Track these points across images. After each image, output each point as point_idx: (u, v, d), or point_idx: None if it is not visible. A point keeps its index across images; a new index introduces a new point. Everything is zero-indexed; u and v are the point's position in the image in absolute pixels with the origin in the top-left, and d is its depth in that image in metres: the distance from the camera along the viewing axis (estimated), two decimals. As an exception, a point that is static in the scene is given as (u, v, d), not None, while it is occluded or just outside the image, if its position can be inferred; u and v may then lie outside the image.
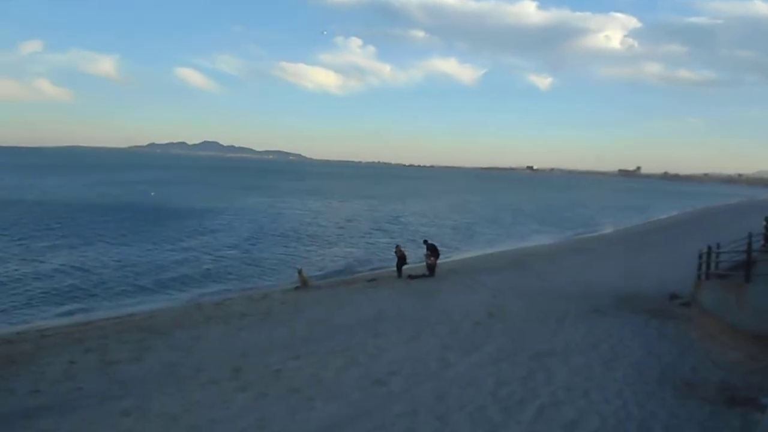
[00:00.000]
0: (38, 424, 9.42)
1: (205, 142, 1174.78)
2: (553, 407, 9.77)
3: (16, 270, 24.57)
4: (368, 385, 10.93)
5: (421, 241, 26.84)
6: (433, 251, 24.99)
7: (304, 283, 22.77)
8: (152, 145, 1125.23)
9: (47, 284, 22.53)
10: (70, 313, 19.46)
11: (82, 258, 27.99)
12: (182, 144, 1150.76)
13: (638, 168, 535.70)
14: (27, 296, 20.81)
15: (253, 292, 22.68)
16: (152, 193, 69.48)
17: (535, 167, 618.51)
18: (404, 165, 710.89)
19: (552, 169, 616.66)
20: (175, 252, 31.43)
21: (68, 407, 10.19)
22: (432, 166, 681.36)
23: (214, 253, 31.45)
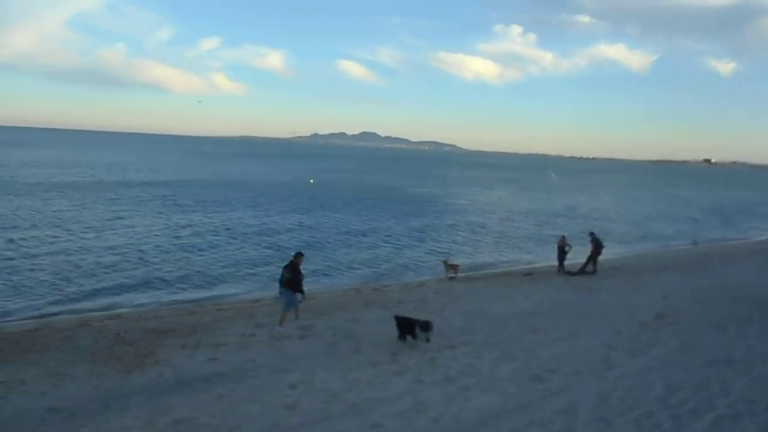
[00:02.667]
0: (216, 388, 10.33)
1: (363, 132, 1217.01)
2: (730, 420, 8.95)
3: (215, 252, 27.19)
4: (525, 380, 10.69)
5: (587, 234, 25.34)
6: (596, 245, 23.75)
7: (454, 271, 22.77)
8: (314, 135, 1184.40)
9: (222, 261, 24.67)
10: (244, 290, 21.12)
11: (256, 238, 30.28)
12: (342, 134, 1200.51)
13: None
14: (208, 272, 22.95)
15: (409, 280, 23.11)
16: (311, 181, 73.27)
17: (713, 160, 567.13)
18: (565, 157, 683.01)
19: (733, 163, 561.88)
20: (341, 236, 33.13)
21: (242, 376, 11.05)
22: (594, 158, 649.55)
23: (378, 240, 32.48)
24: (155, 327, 14.71)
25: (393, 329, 13.47)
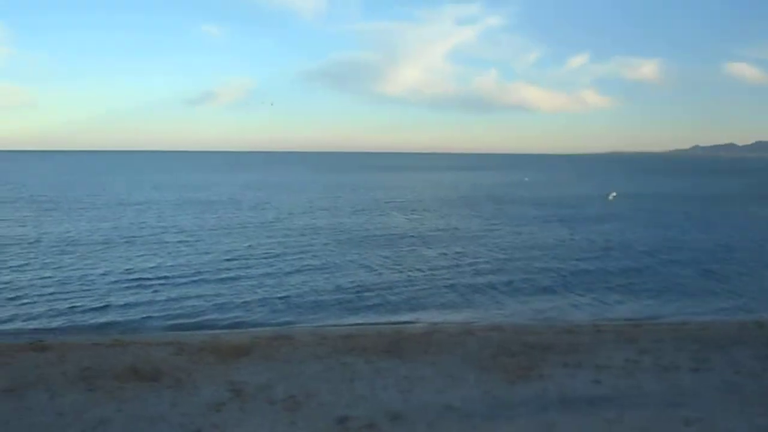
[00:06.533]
0: (602, 413, 9.98)
1: (757, 142, 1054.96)
2: None
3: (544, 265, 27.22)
4: None
5: None
6: None
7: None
8: (695, 147, 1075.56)
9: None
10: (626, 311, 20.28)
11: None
12: (730, 146, 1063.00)
13: None
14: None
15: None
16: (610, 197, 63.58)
17: None
18: None
19: None
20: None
21: (629, 403, 10.44)
22: None
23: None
24: (535, 342, 14.93)
25: None
